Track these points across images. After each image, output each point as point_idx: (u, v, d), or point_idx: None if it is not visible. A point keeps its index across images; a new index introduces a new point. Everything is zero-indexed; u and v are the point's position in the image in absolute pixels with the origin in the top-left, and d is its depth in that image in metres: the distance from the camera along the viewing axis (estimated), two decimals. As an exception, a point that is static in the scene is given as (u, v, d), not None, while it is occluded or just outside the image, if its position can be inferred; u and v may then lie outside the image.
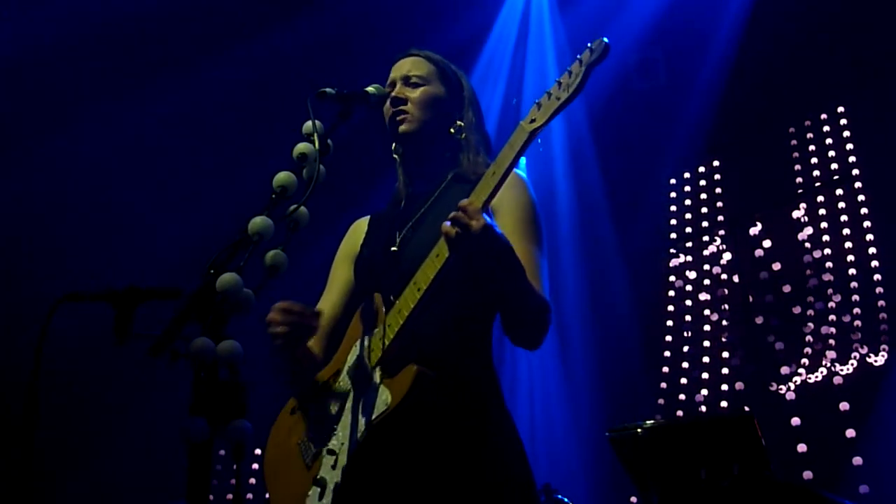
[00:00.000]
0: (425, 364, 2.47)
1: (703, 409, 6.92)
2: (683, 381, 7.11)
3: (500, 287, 2.51)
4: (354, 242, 3.02)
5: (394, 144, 2.92)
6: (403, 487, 2.48)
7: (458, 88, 2.95)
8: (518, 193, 2.75)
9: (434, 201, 2.81)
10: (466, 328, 2.67)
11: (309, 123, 2.45)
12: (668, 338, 7.28)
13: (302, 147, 2.41)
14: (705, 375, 7.02)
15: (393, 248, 2.76)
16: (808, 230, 6.79)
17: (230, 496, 6.80)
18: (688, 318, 7.26)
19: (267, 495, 2.79)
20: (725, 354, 6.97)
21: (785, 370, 6.60)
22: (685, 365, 7.14)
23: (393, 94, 2.88)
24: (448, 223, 2.37)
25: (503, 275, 2.47)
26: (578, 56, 2.37)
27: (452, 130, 2.87)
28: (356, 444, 2.48)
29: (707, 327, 7.13)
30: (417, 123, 2.85)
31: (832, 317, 6.52)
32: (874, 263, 6.49)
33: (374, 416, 2.46)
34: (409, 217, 2.83)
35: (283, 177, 2.33)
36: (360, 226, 3.08)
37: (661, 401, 7.08)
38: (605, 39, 2.33)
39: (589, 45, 2.36)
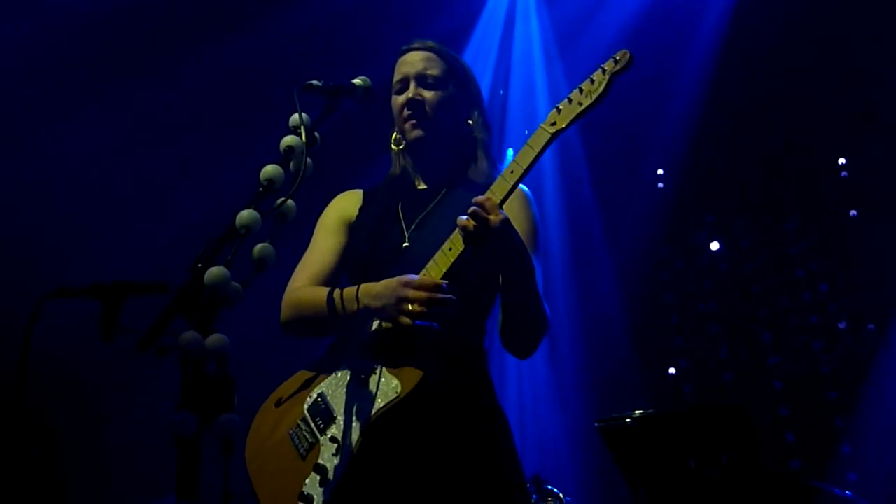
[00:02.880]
0: (425, 355, 2.51)
1: (691, 399, 6.94)
2: (671, 371, 7.12)
3: (510, 285, 2.55)
4: (350, 213, 3.00)
5: (395, 136, 2.95)
6: (403, 475, 2.52)
7: (468, 87, 2.96)
8: (522, 207, 2.80)
9: (441, 200, 2.84)
10: (466, 324, 2.71)
11: (296, 116, 2.45)
12: (656, 328, 7.29)
13: (289, 140, 2.41)
14: (693, 366, 7.04)
15: (405, 245, 2.77)
16: (795, 221, 6.80)
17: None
18: (675, 308, 7.27)
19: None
20: (713, 345, 6.99)
21: (772, 360, 6.62)
22: (673, 355, 7.15)
23: (410, 95, 2.88)
24: (465, 217, 2.38)
25: (516, 272, 2.52)
26: (602, 65, 2.44)
27: (463, 131, 2.90)
28: (362, 431, 2.50)
29: (694, 318, 7.14)
30: (432, 128, 2.87)
31: (819, 306, 6.54)
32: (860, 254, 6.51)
33: (383, 404, 2.49)
34: (416, 213, 2.85)
35: (270, 170, 2.33)
36: (353, 198, 3.07)
37: (649, 391, 7.10)
38: (629, 53, 2.42)
39: (614, 56, 2.43)
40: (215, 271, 2.03)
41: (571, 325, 7.23)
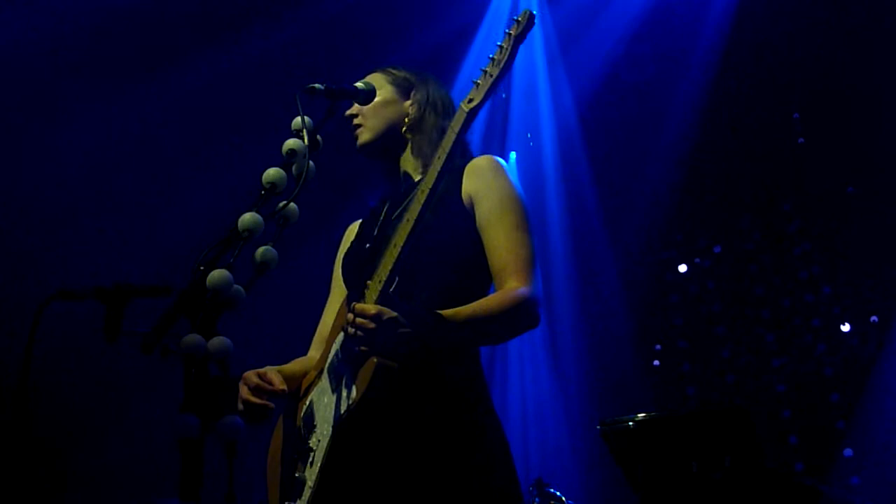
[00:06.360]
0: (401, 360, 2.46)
1: (694, 401, 6.94)
2: (674, 373, 7.12)
3: (453, 343, 2.57)
4: (346, 245, 3.06)
5: None
6: (377, 484, 2.48)
7: (407, 89, 2.96)
8: (493, 179, 2.73)
9: (411, 199, 2.76)
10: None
11: (298, 119, 2.45)
12: (659, 330, 7.28)
13: (291, 143, 2.41)
14: (696, 368, 7.03)
15: (367, 245, 2.79)
16: (797, 223, 6.80)
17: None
18: (678, 310, 7.26)
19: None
20: (716, 347, 6.98)
21: (775, 362, 6.62)
22: (676, 358, 7.15)
23: (348, 111, 2.95)
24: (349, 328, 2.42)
25: (443, 336, 2.50)
26: (507, 30, 2.43)
27: (403, 129, 2.90)
28: (328, 441, 2.49)
29: (697, 320, 7.14)
30: (371, 132, 2.91)
31: (822, 309, 6.54)
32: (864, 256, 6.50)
33: (341, 412, 2.47)
34: (388, 216, 2.86)
35: (272, 173, 2.33)
36: (353, 229, 3.12)
37: (651, 394, 7.09)
38: (533, 11, 2.42)
39: (515, 17, 2.43)
40: (218, 274, 2.03)
41: (574, 328, 7.23)
